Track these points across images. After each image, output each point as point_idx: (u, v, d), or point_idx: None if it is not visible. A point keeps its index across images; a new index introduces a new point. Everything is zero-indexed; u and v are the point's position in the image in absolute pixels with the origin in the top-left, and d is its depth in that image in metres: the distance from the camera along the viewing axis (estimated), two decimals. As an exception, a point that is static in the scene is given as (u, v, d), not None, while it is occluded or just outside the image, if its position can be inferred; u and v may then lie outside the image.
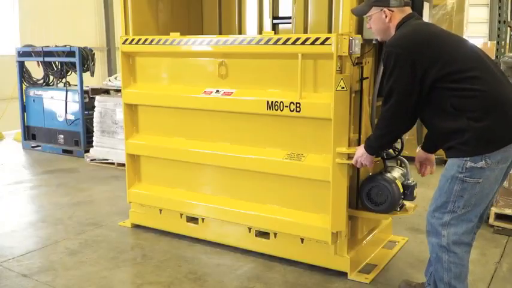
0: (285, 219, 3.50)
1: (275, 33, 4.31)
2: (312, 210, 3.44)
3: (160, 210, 4.15)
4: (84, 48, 7.46)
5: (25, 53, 7.89)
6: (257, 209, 3.64)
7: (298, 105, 3.32)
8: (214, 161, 3.79)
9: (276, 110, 3.40)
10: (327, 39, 3.11)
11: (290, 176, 3.46)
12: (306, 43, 3.18)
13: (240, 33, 4.53)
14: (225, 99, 3.63)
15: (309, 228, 3.38)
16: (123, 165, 5.01)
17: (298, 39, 3.23)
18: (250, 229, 3.72)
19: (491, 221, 4.25)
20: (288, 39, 3.29)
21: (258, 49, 3.43)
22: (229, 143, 3.75)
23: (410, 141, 5.99)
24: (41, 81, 7.92)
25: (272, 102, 3.40)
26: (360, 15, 3.01)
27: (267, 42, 3.38)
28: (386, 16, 2.78)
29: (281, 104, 3.36)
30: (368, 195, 3.33)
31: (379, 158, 3.38)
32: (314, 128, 3.34)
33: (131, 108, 4.18)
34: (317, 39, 3.15)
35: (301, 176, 3.41)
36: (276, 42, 3.35)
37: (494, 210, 4.26)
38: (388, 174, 3.35)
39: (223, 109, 3.68)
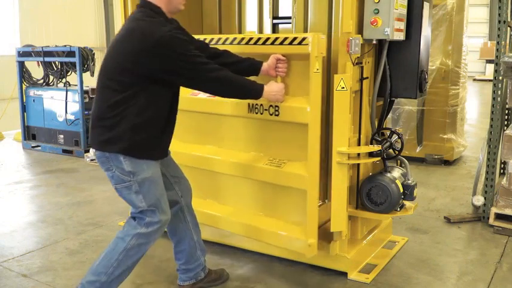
0: (265, 228, 3.36)
1: (274, 33, 4.34)
2: (289, 220, 3.33)
3: (160, 210, 4.13)
4: (84, 48, 7.46)
5: (25, 53, 7.89)
6: (239, 216, 3.54)
7: (276, 108, 3.18)
8: (200, 164, 3.70)
9: (257, 113, 3.26)
10: (303, 39, 2.99)
11: (270, 183, 3.35)
12: (284, 43, 3.09)
13: (240, 33, 4.52)
14: (209, 99, 3.49)
15: (285, 239, 3.26)
16: (123, 165, 5.00)
17: (276, 39, 3.15)
18: (250, 229, 3.71)
19: (491, 221, 4.25)
20: (267, 39, 3.21)
21: (239, 49, 3.30)
22: (214, 146, 3.66)
23: (411, 141, 5.99)
24: (41, 81, 7.92)
25: (253, 104, 3.26)
26: None
27: (247, 42, 3.28)
28: None
29: (261, 106, 3.23)
30: (368, 195, 3.34)
31: (379, 158, 3.38)
32: (292, 133, 3.21)
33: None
34: (295, 39, 3.04)
35: (279, 184, 3.28)
36: (256, 42, 3.26)
37: (494, 210, 4.27)
38: (388, 174, 3.36)
39: (208, 111, 3.59)
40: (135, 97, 2.63)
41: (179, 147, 3.76)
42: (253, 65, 3.10)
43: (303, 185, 3.11)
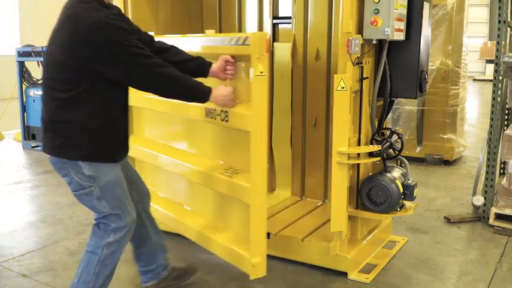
0: (216, 240, 3.22)
1: (274, 33, 4.35)
2: (239, 234, 3.13)
3: (160, 210, 4.13)
4: (84, 48, 7.45)
5: (25, 53, 7.89)
6: (196, 222, 3.45)
7: (226, 114, 2.94)
8: (166, 166, 3.67)
9: (211, 118, 3.06)
10: (246, 38, 2.77)
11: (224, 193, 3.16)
12: (231, 43, 2.92)
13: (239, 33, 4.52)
14: (165, 101, 3.19)
15: (232, 254, 3.10)
16: (123, 165, 5.00)
17: (224, 38, 3.03)
18: (250, 229, 3.71)
19: (491, 221, 4.25)
20: (214, 39, 3.11)
21: (188, 49, 3.07)
22: (180, 148, 3.61)
23: (411, 141, 5.99)
24: (41, 81, 7.90)
25: (208, 109, 3.05)
26: None
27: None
28: None
29: (214, 111, 3.02)
30: (368, 195, 3.34)
31: (379, 158, 3.38)
32: (240, 141, 2.93)
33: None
34: (239, 39, 2.84)
35: (228, 194, 3.10)
36: (202, 42, 3.17)
37: (494, 210, 4.27)
38: (388, 174, 3.36)
39: (171, 112, 3.49)
40: (84, 97, 2.45)
41: (149, 146, 3.78)
42: (201, 65, 2.90)
43: (246, 197, 2.88)
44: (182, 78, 2.62)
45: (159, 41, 2.94)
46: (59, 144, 2.52)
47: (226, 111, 2.93)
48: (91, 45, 2.37)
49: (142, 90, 2.69)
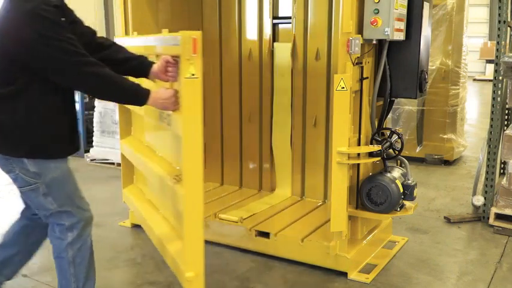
0: (168, 248, 3.10)
1: (274, 33, 4.35)
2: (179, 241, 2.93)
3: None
4: (84, 48, 7.44)
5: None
6: (158, 227, 3.41)
7: (170, 117, 2.78)
8: (145, 171, 3.66)
9: (162, 121, 2.92)
10: (177, 38, 2.54)
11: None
12: (167, 43, 2.80)
13: (240, 33, 4.53)
14: None
15: (175, 265, 2.94)
16: (123, 165, 5.01)
17: (160, 38, 2.94)
18: (250, 229, 3.72)
19: (491, 221, 4.25)
20: (152, 39, 3.03)
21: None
22: (150, 149, 3.63)
23: (411, 141, 5.99)
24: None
25: (160, 112, 2.89)
26: None
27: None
28: None
29: (163, 114, 2.87)
30: (368, 195, 3.34)
31: (379, 158, 3.38)
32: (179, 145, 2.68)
33: (124, 109, 4.12)
34: (173, 38, 2.67)
35: (173, 202, 2.95)
36: (140, 42, 3.12)
37: (494, 210, 4.27)
38: (388, 174, 3.36)
39: (145, 114, 3.37)
40: (22, 91, 2.34)
41: (136, 149, 3.79)
42: (141, 65, 2.73)
43: (180, 205, 2.69)
44: (117, 79, 2.44)
45: (101, 37, 2.78)
46: (2, 140, 2.45)
47: (168, 114, 2.77)
48: (19, 38, 2.25)
49: (75, 89, 2.59)
